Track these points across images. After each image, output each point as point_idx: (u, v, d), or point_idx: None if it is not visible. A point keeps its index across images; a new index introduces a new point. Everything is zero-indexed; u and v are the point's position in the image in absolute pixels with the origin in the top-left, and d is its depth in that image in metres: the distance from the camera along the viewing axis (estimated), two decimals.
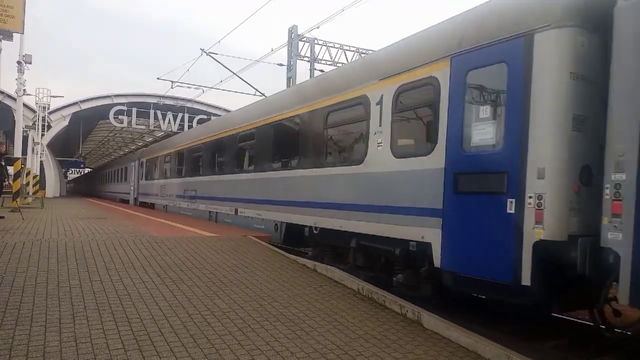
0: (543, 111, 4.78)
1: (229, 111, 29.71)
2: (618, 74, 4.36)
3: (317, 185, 8.44)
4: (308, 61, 21.37)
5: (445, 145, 5.74)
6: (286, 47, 21.16)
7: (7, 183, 15.10)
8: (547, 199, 4.68)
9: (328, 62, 21.58)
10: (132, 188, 26.79)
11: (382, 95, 6.89)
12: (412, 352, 4.21)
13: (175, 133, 29.76)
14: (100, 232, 9.59)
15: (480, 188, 5.30)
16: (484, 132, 5.33)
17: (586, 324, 6.43)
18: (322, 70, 20.13)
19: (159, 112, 35.12)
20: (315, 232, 8.59)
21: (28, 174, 21.80)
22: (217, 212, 13.72)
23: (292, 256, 7.89)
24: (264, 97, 19.80)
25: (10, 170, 16.22)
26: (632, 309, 4.72)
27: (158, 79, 25.34)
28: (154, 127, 36.24)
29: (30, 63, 17.85)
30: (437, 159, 5.84)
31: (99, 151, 67.76)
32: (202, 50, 21.11)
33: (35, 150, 27.23)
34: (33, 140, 27.02)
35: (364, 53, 21.24)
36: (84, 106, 34.01)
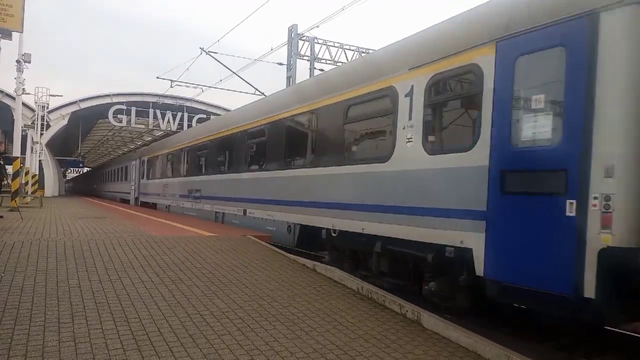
0: (612, 101, 4.24)
1: (229, 110, 29.69)
2: None
3: (336, 184, 7.85)
4: (308, 60, 21.36)
5: (490, 140, 5.14)
6: (286, 46, 21.15)
7: (5, 182, 15.09)
8: (617, 201, 4.13)
9: (328, 62, 21.57)
10: (132, 187, 26.37)
11: (413, 86, 6.30)
12: (412, 352, 4.20)
13: (175, 132, 29.71)
14: (99, 231, 9.58)
15: (533, 188, 4.73)
16: (537, 125, 4.76)
17: (586, 324, 6.42)
18: (322, 70, 20.10)
19: (158, 112, 35.08)
20: (333, 234, 8.01)
21: (27, 173, 21.78)
22: (223, 213, 13.14)
23: (291, 256, 7.87)
24: (263, 96, 19.77)
25: (9, 169, 16.20)
26: None
27: (157, 78, 25.20)
28: (153, 127, 36.18)
29: (30, 62, 17.85)
30: (479, 156, 5.25)
31: (98, 150, 67.69)
32: (202, 49, 21.09)
33: (34, 150, 27.22)
34: (32, 139, 27.00)
35: (364, 52, 21.23)
36: (83, 105, 33.98)
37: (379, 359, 4.03)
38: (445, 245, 5.70)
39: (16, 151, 17.91)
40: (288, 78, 21.15)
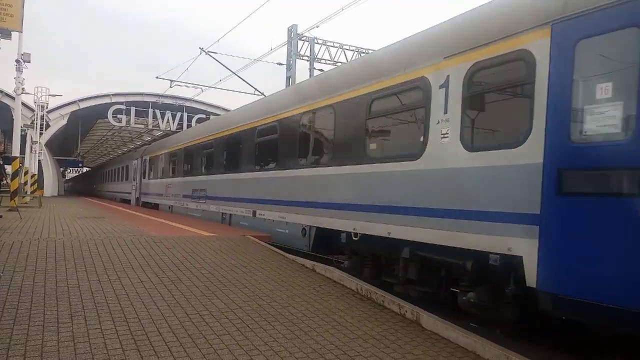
0: None
1: (228, 110, 29.70)
2: None
3: (358, 184, 7.29)
4: (307, 60, 21.36)
5: (545, 135, 4.60)
6: (286, 47, 21.15)
7: (5, 182, 15.08)
8: None
9: (328, 62, 21.58)
10: (134, 187, 25.90)
11: (449, 76, 5.78)
12: (411, 352, 4.20)
13: (174, 132, 29.72)
14: (99, 231, 9.57)
15: (599, 188, 4.24)
16: (603, 118, 4.25)
17: (585, 325, 6.41)
18: (321, 70, 20.10)
19: (157, 112, 35.09)
20: (354, 238, 7.41)
21: (26, 173, 21.78)
22: (231, 214, 12.46)
23: (290, 256, 7.87)
24: (263, 96, 19.76)
25: (8, 169, 16.20)
26: None
27: (157, 78, 25.18)
28: (153, 127, 36.18)
29: (29, 62, 17.81)
30: (531, 152, 4.73)
31: (97, 150, 67.69)
32: (201, 49, 21.09)
33: (33, 149, 27.19)
34: (31, 139, 26.97)
35: (363, 52, 21.24)
36: (83, 105, 33.97)
37: (378, 359, 4.03)
38: (489, 253, 5.11)
39: (15, 151, 17.87)
40: (287, 78, 21.16)
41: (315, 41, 21.34)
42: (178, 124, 35.17)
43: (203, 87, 26.94)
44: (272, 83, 26.59)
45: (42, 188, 31.58)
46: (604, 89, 4.26)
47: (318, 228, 8.50)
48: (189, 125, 34.06)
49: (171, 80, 24.90)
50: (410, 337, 4.61)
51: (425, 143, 6.07)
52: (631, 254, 3.94)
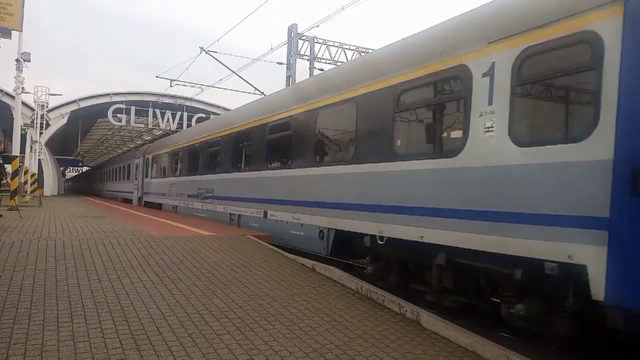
0: None
1: (229, 110, 29.69)
2: None
3: (385, 184, 6.73)
4: (308, 60, 21.37)
5: (616, 128, 4.05)
6: (286, 46, 21.16)
7: (5, 181, 15.09)
8: None
9: (328, 61, 21.57)
10: (135, 187, 25.42)
11: (494, 63, 5.21)
12: (411, 352, 4.20)
13: (174, 132, 29.72)
14: (99, 230, 9.57)
15: None
16: None
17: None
18: (321, 69, 20.10)
19: (157, 111, 35.09)
20: (379, 242, 6.84)
21: (26, 172, 21.76)
22: (239, 215, 11.89)
23: (290, 255, 7.87)
24: (263, 95, 19.76)
25: (8, 168, 16.20)
26: None
27: (157, 77, 25.17)
28: (153, 126, 36.19)
29: (29, 61, 17.81)
30: (598, 147, 4.18)
31: (97, 150, 67.71)
32: (202, 48, 21.10)
33: (33, 149, 27.17)
34: (31, 138, 26.97)
35: (364, 52, 21.23)
36: (83, 104, 33.97)
37: (378, 358, 4.03)
38: (544, 260, 4.56)
39: (15, 150, 17.89)
40: (288, 77, 21.16)
41: (316, 40, 21.34)
42: (178, 123, 35.19)
43: (203, 87, 26.99)
44: (272, 82, 26.60)
45: (42, 187, 31.57)
46: None
47: (338, 230, 7.93)
48: (189, 125, 34.06)
49: (171, 80, 24.94)
50: (410, 336, 4.61)
51: (464, 138, 5.49)
52: None
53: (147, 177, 23.21)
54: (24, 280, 5.49)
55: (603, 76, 4.21)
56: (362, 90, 7.35)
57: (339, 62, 21.40)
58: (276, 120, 10.15)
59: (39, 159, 29.48)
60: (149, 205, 22.03)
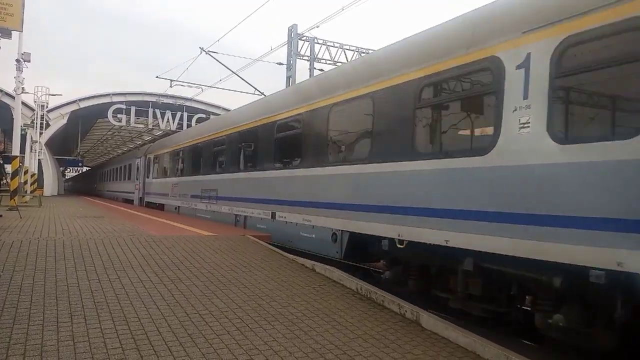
0: None
1: (228, 110, 29.69)
2: None
3: (405, 184, 6.36)
4: (308, 60, 21.38)
5: None
6: (286, 46, 21.17)
7: (5, 181, 15.09)
8: None
9: (328, 62, 21.59)
10: (137, 187, 25.07)
11: (530, 54, 4.84)
12: (411, 352, 4.20)
13: (174, 132, 29.71)
14: (99, 230, 9.57)
15: None
16: None
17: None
18: (321, 70, 20.11)
19: (157, 111, 35.10)
20: (399, 246, 6.43)
21: (26, 172, 21.77)
22: (245, 216, 11.50)
23: (290, 256, 7.87)
24: (263, 96, 19.75)
25: (8, 168, 16.20)
26: None
27: (157, 77, 25.18)
28: (153, 126, 36.20)
29: (29, 61, 17.82)
30: None
31: (97, 150, 67.74)
32: (202, 48, 21.10)
33: (33, 149, 27.18)
34: (31, 138, 26.97)
35: (364, 52, 21.24)
36: (83, 105, 33.99)
37: (378, 358, 4.02)
38: (588, 268, 4.22)
39: (15, 150, 17.89)
40: (288, 78, 21.17)
41: (316, 41, 21.36)
42: (178, 123, 35.20)
43: (203, 87, 26.98)
44: (273, 83, 26.61)
45: (42, 187, 31.58)
46: None
47: (352, 233, 7.54)
48: (189, 125, 34.05)
49: (171, 80, 24.94)
50: (410, 336, 4.61)
51: (496, 135, 5.12)
52: None
53: (148, 177, 22.92)
54: (24, 280, 5.49)
55: None
56: (380, 85, 6.98)
57: (339, 62, 21.41)
58: (285, 118, 9.79)
59: (39, 159, 29.49)
60: (151, 205, 21.72)
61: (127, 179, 28.78)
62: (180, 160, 17.64)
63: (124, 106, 34.05)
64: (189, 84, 26.23)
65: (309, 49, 21.34)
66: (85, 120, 38.80)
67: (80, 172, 75.03)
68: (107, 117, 34.69)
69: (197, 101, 35.73)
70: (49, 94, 29.37)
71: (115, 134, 49.44)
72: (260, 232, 10.39)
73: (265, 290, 5.83)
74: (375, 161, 6.96)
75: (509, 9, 5.37)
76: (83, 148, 57.18)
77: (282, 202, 9.67)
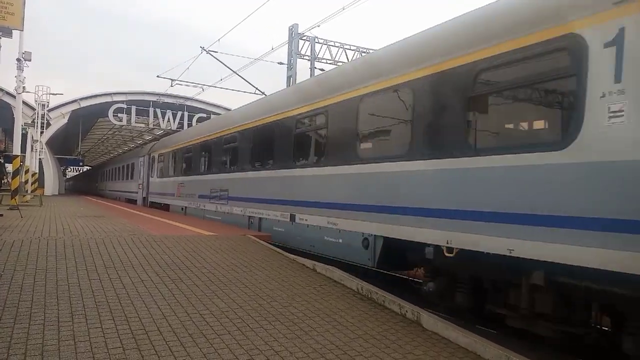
0: None
1: (229, 109, 29.68)
2: None
3: (456, 183, 5.65)
4: (308, 60, 21.37)
5: None
6: (286, 46, 21.16)
7: (5, 180, 15.10)
8: None
9: (328, 61, 21.58)
10: (140, 187, 24.43)
11: (624, 29, 4.12)
12: (412, 353, 4.20)
13: (175, 131, 29.69)
14: (99, 230, 9.57)
15: None
16: None
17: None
18: (322, 69, 20.10)
19: (158, 111, 35.08)
20: (447, 254, 5.70)
21: (27, 171, 21.77)
22: (260, 218, 10.80)
23: (291, 256, 7.87)
24: (264, 95, 19.74)
25: (9, 167, 16.22)
26: None
27: (158, 77, 25.17)
28: (154, 125, 36.20)
29: (30, 60, 17.83)
30: None
31: (98, 149, 67.78)
32: (202, 48, 21.10)
33: (34, 148, 27.19)
34: (32, 137, 26.99)
35: (364, 52, 21.23)
36: (84, 104, 33.98)
37: (378, 359, 4.02)
38: None
39: (16, 149, 17.90)
40: (288, 77, 21.16)
41: (316, 40, 21.34)
42: (179, 123, 35.19)
43: (204, 87, 26.96)
44: (273, 83, 26.63)
45: (43, 187, 31.56)
46: None
47: (387, 238, 6.84)
48: (189, 125, 34.05)
49: (172, 80, 24.94)
50: (411, 337, 4.61)
51: (576, 126, 4.42)
52: None
53: (152, 176, 22.37)
54: (25, 279, 5.49)
55: None
56: (422, 72, 6.31)
57: (340, 62, 21.39)
58: (307, 111, 9.07)
59: (40, 159, 29.48)
60: (155, 206, 21.03)
61: (130, 178, 28.45)
62: (187, 159, 16.90)
63: (124, 105, 34.05)
64: (190, 84, 26.21)
65: (309, 48, 21.33)
66: (86, 119, 38.80)
67: (81, 171, 75.02)
68: (107, 117, 34.67)
69: (198, 101, 35.70)
70: (50, 93, 29.38)
71: (115, 133, 49.45)
72: (278, 235, 9.89)
73: (266, 290, 5.83)
74: (418, 158, 6.27)
75: None
76: (84, 147, 57.21)
77: (303, 203, 8.99)
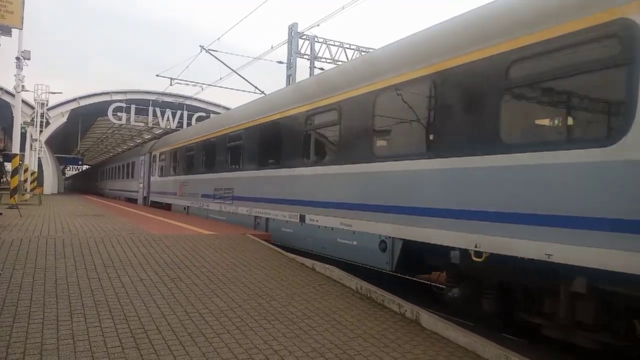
0: None
1: (228, 109, 29.66)
2: None
3: (485, 182, 5.26)
4: (308, 59, 21.35)
5: None
6: (286, 45, 21.14)
7: (4, 179, 15.07)
8: None
9: (328, 60, 21.57)
10: (141, 186, 24.05)
11: None
12: (411, 352, 4.20)
13: (174, 130, 29.68)
14: (99, 229, 9.57)
15: None
16: None
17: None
18: (322, 69, 20.09)
19: (157, 109, 35.07)
20: (475, 259, 5.32)
21: (26, 170, 21.77)
22: (267, 218, 10.37)
23: (290, 255, 7.87)
24: (263, 94, 19.73)
25: (8, 166, 16.20)
26: None
27: (157, 76, 25.17)
28: (153, 124, 36.20)
29: (29, 59, 17.78)
30: None
31: (97, 148, 67.76)
32: (202, 47, 21.08)
33: (33, 147, 27.16)
34: (31, 136, 26.96)
35: (364, 51, 21.22)
36: (83, 103, 33.97)
37: (377, 358, 4.03)
38: None
39: (15, 148, 17.89)
40: (288, 77, 21.15)
41: (316, 40, 21.32)
42: (178, 122, 35.18)
43: (203, 86, 26.96)
44: (273, 82, 26.61)
45: (42, 186, 31.56)
46: None
47: (407, 241, 6.45)
48: (189, 124, 34.03)
49: (171, 79, 24.94)
50: (410, 336, 4.61)
51: (627, 120, 4.05)
52: None
53: (153, 175, 22.02)
54: (24, 278, 5.49)
55: None
56: (445, 64, 5.93)
57: (340, 61, 21.38)
58: (317, 108, 8.67)
59: (39, 157, 29.48)
60: (157, 205, 20.56)
61: (130, 177, 28.14)
62: (190, 157, 16.46)
63: (124, 104, 34.04)
64: (189, 83, 26.24)
65: (309, 47, 21.31)
66: (85, 118, 38.79)
67: (81, 170, 74.95)
68: (107, 116, 34.65)
69: (197, 100, 35.69)
70: (49, 92, 29.35)
71: (115, 132, 49.45)
72: (286, 236, 9.59)
73: (265, 289, 5.83)
74: (441, 156, 5.88)
75: None
76: (83, 146, 57.20)
77: (314, 203, 8.56)
